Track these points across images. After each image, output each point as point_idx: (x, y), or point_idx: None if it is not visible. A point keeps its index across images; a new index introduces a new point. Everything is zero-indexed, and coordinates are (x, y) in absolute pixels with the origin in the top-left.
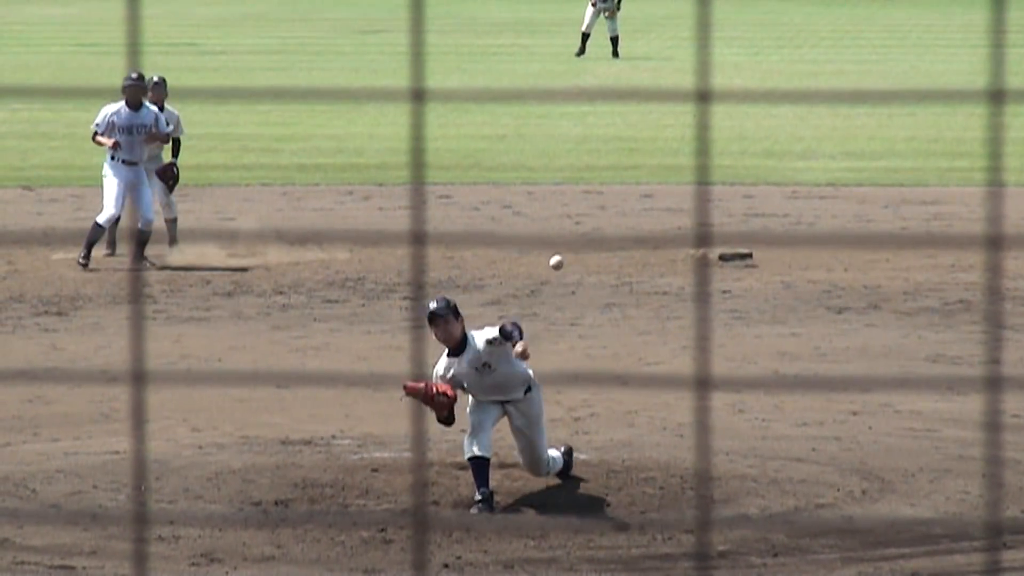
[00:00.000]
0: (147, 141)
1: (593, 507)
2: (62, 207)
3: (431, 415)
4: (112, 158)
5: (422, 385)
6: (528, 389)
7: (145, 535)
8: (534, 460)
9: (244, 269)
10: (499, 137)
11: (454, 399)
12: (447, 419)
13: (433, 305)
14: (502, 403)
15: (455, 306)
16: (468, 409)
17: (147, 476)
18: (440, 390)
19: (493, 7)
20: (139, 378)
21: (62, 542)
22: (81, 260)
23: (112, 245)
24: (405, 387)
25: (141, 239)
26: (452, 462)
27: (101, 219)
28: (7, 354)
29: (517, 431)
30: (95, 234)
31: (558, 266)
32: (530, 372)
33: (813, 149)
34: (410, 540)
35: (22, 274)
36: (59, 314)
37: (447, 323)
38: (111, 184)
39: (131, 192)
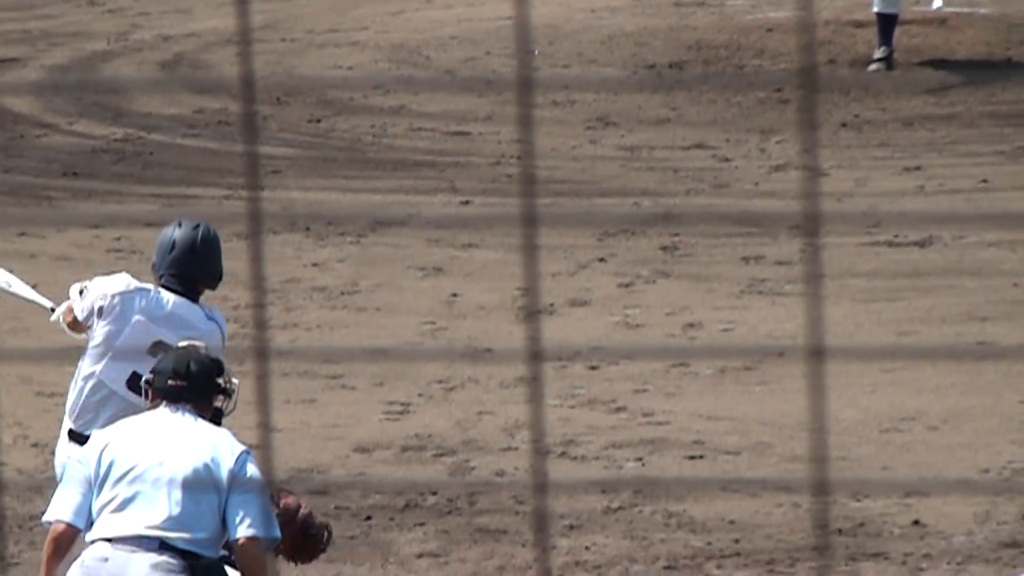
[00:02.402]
0: None
1: (994, 62)
2: None
3: None
4: None
5: None
6: None
7: (536, 100)
8: None
9: None
10: None
11: None
12: None
13: None
14: None
15: None
16: None
17: (539, 40)
18: None
19: None
20: None
21: (457, 108)
22: None
23: None
24: None
25: None
26: (848, 19)
27: None
28: None
29: None
30: None
31: None
32: None
33: None
34: (805, 100)
35: None
36: None
37: None
38: None
39: None
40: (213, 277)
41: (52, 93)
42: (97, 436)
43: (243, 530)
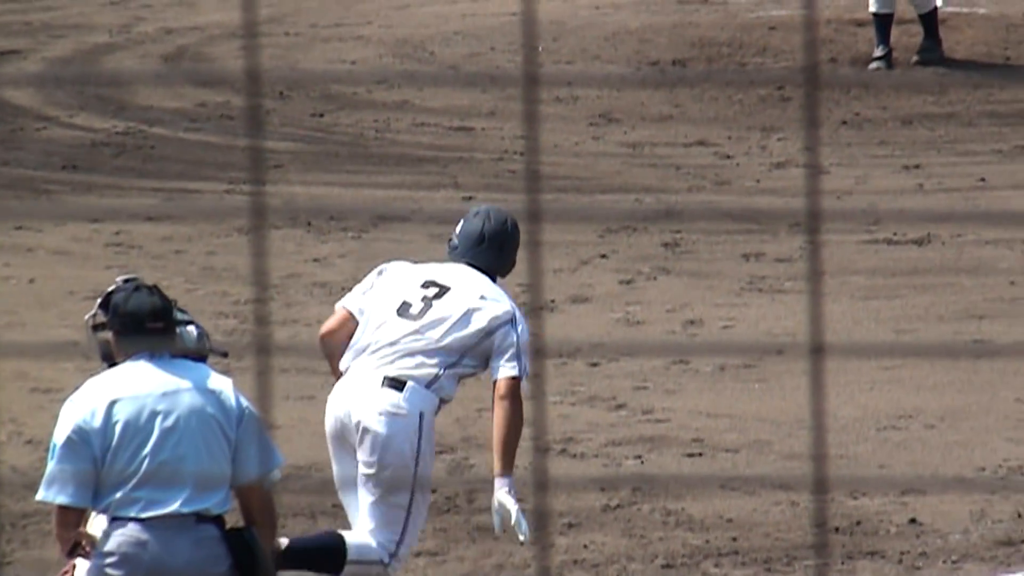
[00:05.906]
0: None
1: (992, 63)
2: None
3: None
4: None
5: None
6: None
7: (540, 96)
8: None
9: None
10: None
11: None
12: None
13: None
14: None
15: None
16: None
17: (543, 37)
18: None
19: None
20: None
21: (460, 104)
22: None
23: None
24: None
25: None
26: (850, 18)
27: None
28: None
29: None
30: None
31: None
32: None
33: None
34: (807, 98)
35: None
36: None
37: None
38: None
39: None
40: (509, 268)
41: (53, 86)
42: (85, 400)
43: (250, 473)
